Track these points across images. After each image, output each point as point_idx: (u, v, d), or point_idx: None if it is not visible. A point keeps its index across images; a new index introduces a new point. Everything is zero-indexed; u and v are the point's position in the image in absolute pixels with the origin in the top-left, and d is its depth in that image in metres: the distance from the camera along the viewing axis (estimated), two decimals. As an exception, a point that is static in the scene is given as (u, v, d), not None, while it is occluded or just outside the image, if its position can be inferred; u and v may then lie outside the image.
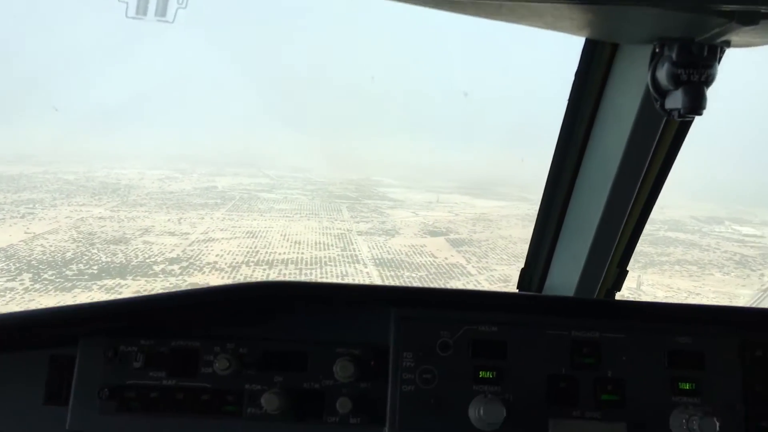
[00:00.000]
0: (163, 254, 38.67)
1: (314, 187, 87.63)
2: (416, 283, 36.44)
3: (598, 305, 2.28)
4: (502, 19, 1.38)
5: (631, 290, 39.14)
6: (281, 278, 36.29)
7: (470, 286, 21.35)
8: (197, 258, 38.79)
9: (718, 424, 1.90)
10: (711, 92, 1.40)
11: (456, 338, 2.11)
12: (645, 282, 39.60)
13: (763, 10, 1.11)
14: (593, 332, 2.11)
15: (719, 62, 1.49)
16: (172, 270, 35.00)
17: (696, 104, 1.35)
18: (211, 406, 2.12)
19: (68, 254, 37.03)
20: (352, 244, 47.47)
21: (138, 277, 32.64)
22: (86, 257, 36.73)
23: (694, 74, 1.36)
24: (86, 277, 32.02)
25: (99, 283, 30.88)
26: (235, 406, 2.12)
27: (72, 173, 76.01)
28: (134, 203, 59.20)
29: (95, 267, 34.36)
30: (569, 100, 2.18)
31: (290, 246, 45.33)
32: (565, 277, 2.49)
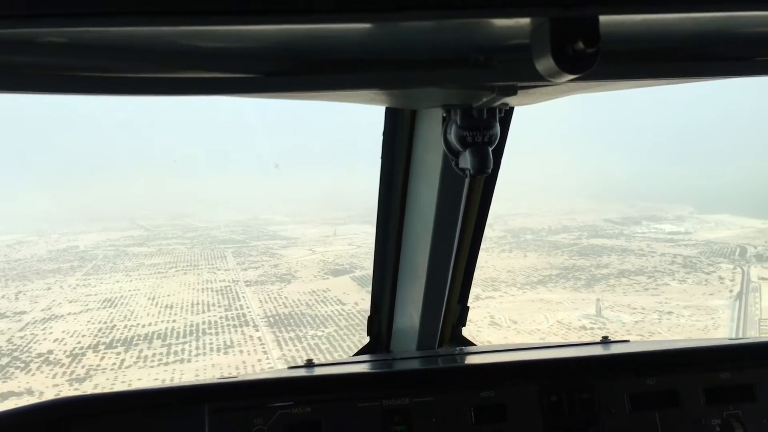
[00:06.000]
0: (-23, 350, 29.09)
1: (195, 234, 79.32)
2: (325, 344, 30.84)
3: (406, 375, 2.37)
4: (296, 97, 1.45)
5: (591, 318, 35.05)
6: (143, 359, 29.79)
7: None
8: (27, 348, 29.79)
9: None
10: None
11: (270, 424, 2.05)
12: (603, 305, 35.00)
13: (519, 85, 1.25)
14: (403, 399, 2.13)
15: (510, 121, 2.03)
16: (-19, 374, 25.66)
17: (482, 165, 1.47)
18: None
19: None
20: (239, 300, 39.82)
21: None
22: None
23: (478, 136, 1.48)
24: None
25: None
26: None
27: None
28: (-37, 280, 48.14)
29: None
30: (382, 158, 2.33)
31: (159, 312, 36.98)
32: (408, 317, 2.67)
